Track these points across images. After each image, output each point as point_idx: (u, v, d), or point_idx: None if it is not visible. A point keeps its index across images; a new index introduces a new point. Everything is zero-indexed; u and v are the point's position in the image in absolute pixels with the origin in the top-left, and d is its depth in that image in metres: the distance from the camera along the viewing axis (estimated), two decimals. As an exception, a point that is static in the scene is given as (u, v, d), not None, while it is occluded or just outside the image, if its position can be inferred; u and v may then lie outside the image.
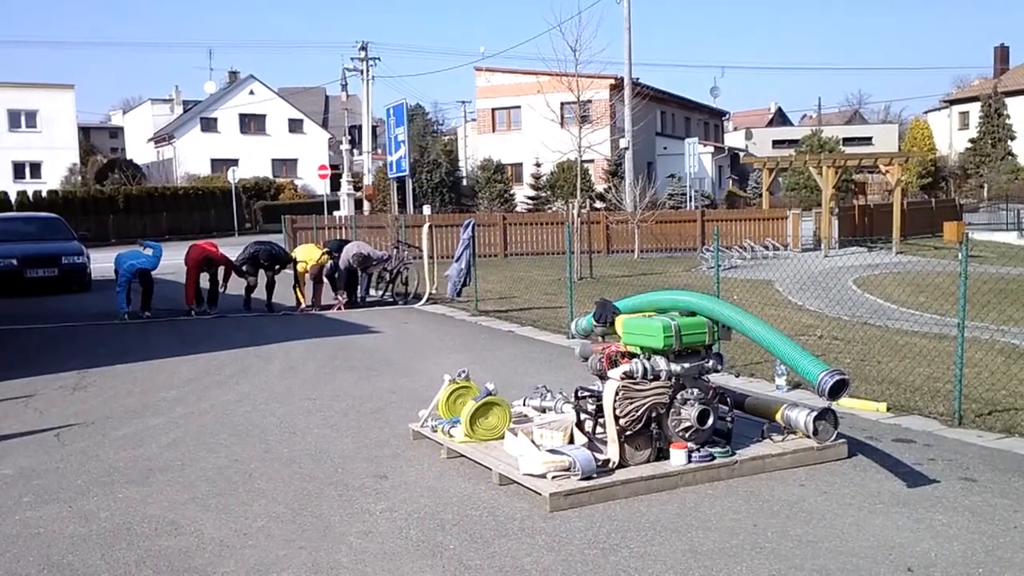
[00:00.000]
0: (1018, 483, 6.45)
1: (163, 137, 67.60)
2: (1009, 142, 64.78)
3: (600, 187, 42.35)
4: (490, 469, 6.73)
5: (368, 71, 43.17)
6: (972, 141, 66.66)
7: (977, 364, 9.81)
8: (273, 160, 66.74)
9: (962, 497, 6.17)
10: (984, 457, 7.10)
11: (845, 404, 8.70)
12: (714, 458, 6.68)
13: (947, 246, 29.53)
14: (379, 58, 45.74)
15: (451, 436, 7.39)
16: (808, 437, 7.03)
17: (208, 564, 5.30)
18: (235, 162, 59.91)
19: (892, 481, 6.54)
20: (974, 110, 69.88)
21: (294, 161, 67.63)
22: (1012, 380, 9.28)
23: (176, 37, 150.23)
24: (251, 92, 67.77)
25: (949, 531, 5.57)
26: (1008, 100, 66.39)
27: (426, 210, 32.69)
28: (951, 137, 74.25)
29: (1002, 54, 79.12)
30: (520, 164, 50.51)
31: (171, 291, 18.85)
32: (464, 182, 52.11)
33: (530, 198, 48.24)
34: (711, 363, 6.95)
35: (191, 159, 63.66)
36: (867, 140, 68.41)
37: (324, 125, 73.67)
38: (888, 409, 8.57)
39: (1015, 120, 65.80)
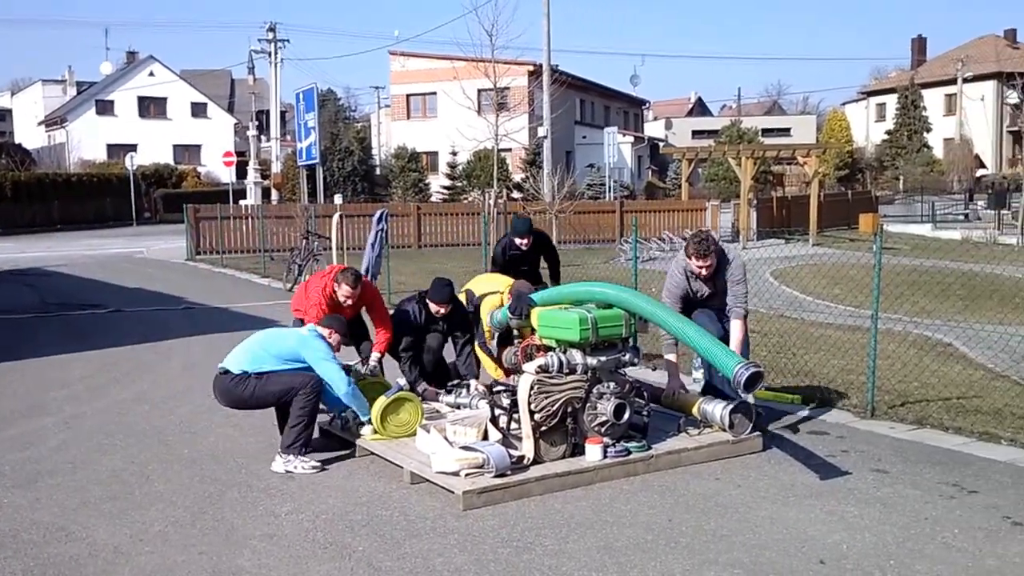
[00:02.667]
0: (928, 474, 6.48)
1: (55, 120, 65.00)
2: (925, 134, 66.41)
3: (518, 177, 42.23)
4: (401, 467, 6.54)
5: (276, 53, 42.32)
6: (889, 133, 68.20)
7: (890, 356, 9.90)
8: (175, 146, 64.30)
9: (874, 489, 6.18)
10: (896, 448, 7.14)
11: (761, 396, 8.70)
12: (630, 453, 6.59)
13: (863, 238, 30.00)
14: (288, 40, 44.83)
15: (361, 434, 7.19)
16: (724, 431, 6.97)
17: (101, 572, 5.05)
18: (133, 147, 57.32)
19: (805, 474, 6.52)
20: (891, 102, 71.44)
21: (197, 147, 65.38)
22: (924, 372, 9.38)
23: (69, 14, 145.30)
24: (151, 74, 65.22)
25: (861, 523, 5.58)
26: (924, 92, 68.04)
27: (337, 200, 32.17)
28: (868, 129, 75.87)
29: (919, 45, 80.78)
30: (436, 152, 50.14)
31: (64, 285, 18.37)
32: (378, 171, 51.50)
33: (446, 188, 47.90)
34: (628, 356, 6.85)
35: (86, 144, 60.76)
36: (786, 131, 69.39)
37: (230, 110, 71.55)
38: (803, 401, 8.59)
39: (931, 112, 67.51)
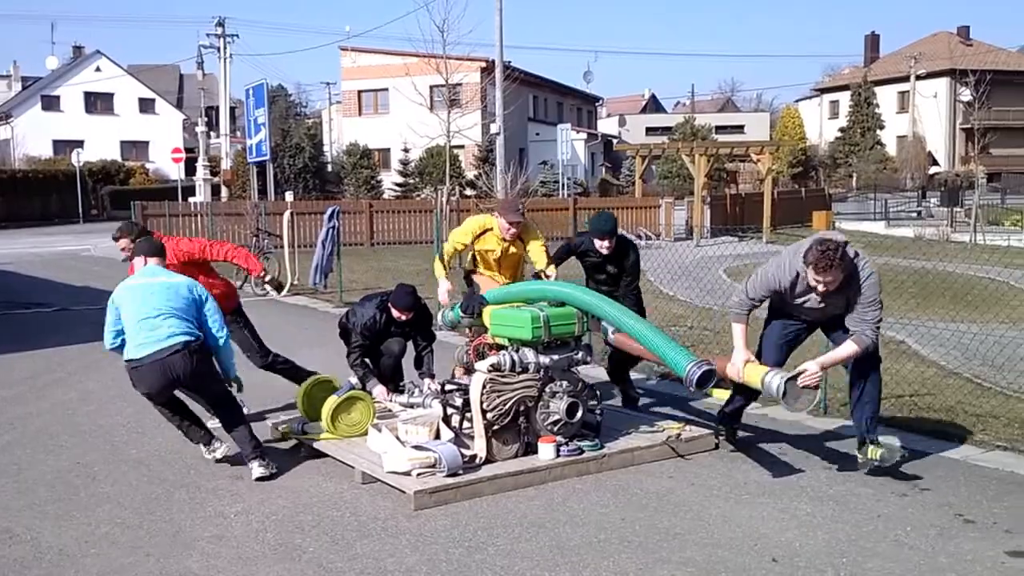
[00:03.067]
0: (881, 472, 6.48)
1: None
2: (878, 131, 66.85)
3: (471, 174, 42.17)
4: (353, 467, 6.49)
5: (225, 49, 41.83)
6: (842, 130, 68.61)
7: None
8: (122, 142, 62.86)
9: (826, 487, 6.21)
10: (848, 446, 7.12)
11: (718, 395, 8.67)
12: (583, 452, 6.58)
13: (816, 236, 30.22)
14: (237, 35, 44.39)
15: (306, 432, 7.12)
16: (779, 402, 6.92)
17: (46, 575, 4.96)
18: (80, 143, 55.48)
19: (758, 471, 6.55)
20: (844, 99, 71.80)
21: (146, 143, 64.04)
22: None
23: (14, 8, 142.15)
24: (98, 69, 63.75)
25: (813, 520, 5.59)
26: (878, 89, 68.52)
27: (288, 197, 31.90)
28: (821, 126, 76.49)
29: (873, 42, 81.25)
30: (388, 149, 49.91)
31: (9, 283, 18.06)
32: (329, 168, 51.21)
33: (398, 185, 47.72)
34: (580, 355, 6.84)
35: (31, 140, 59.12)
36: (739, 128, 69.61)
37: (178, 105, 70.26)
38: (756, 400, 8.56)
39: (884, 109, 67.98)
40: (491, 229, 8.02)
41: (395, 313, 7.74)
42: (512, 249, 8.08)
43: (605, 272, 8.10)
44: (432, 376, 7.82)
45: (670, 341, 6.39)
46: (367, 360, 7.81)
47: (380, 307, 7.77)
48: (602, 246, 7.85)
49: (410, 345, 8.00)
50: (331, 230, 16.36)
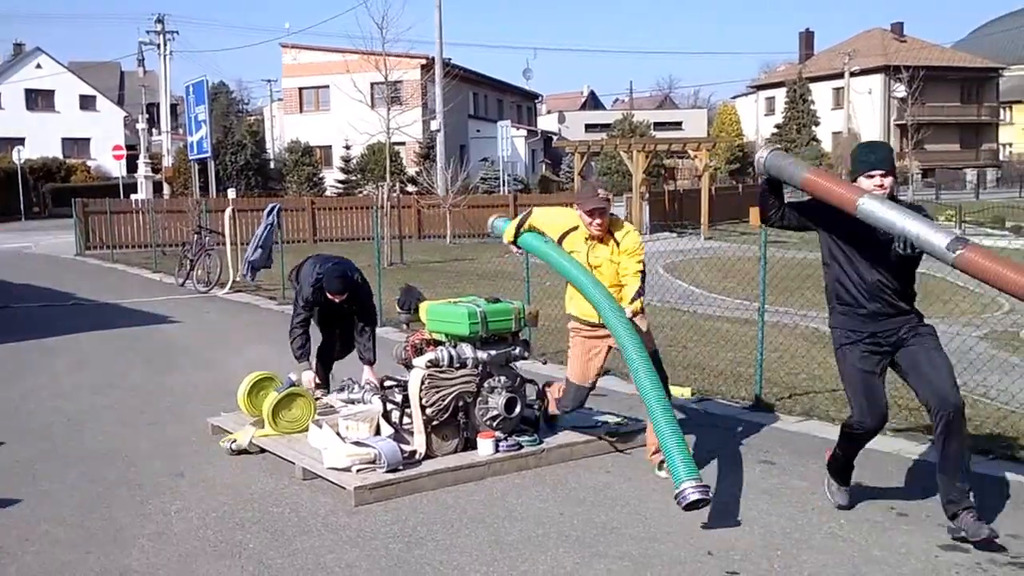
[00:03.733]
0: (815, 465, 6.52)
1: None
2: (814, 127, 67.38)
3: (412, 170, 42.10)
4: (293, 463, 6.51)
5: (165, 45, 41.40)
6: (778, 126, 69.08)
7: (779, 348, 10.13)
8: (64, 139, 62.09)
9: (761, 480, 6.30)
10: (783, 440, 7.27)
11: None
12: (522, 447, 6.64)
13: (753, 232, 30.63)
14: (177, 32, 43.98)
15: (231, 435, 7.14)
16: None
17: (-18, 575, 4.93)
18: (21, 141, 55.20)
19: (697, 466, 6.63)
20: (780, 95, 72.34)
21: (87, 141, 63.24)
22: (812, 363, 9.57)
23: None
24: (38, 66, 62.98)
25: (748, 514, 5.67)
26: (812, 85, 69.07)
27: (231, 194, 31.65)
28: (758, 122, 77.18)
29: (807, 39, 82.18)
30: (329, 146, 49.69)
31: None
32: (271, 165, 50.86)
33: (340, 182, 47.49)
34: (518, 350, 6.90)
35: (-29, 137, 58.59)
36: (677, 125, 70.12)
37: (119, 103, 69.46)
38: (693, 394, 8.72)
39: (820, 105, 68.54)
40: (577, 227, 6.58)
41: (329, 296, 7.79)
42: (604, 251, 6.49)
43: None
44: (371, 362, 7.91)
45: (681, 440, 5.66)
46: (307, 335, 7.92)
47: (315, 286, 7.81)
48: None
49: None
50: (269, 227, 16.32)
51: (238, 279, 17.68)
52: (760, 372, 8.42)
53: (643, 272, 6.41)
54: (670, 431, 5.61)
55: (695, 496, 5.28)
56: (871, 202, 4.93)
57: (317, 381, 7.95)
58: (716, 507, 5.71)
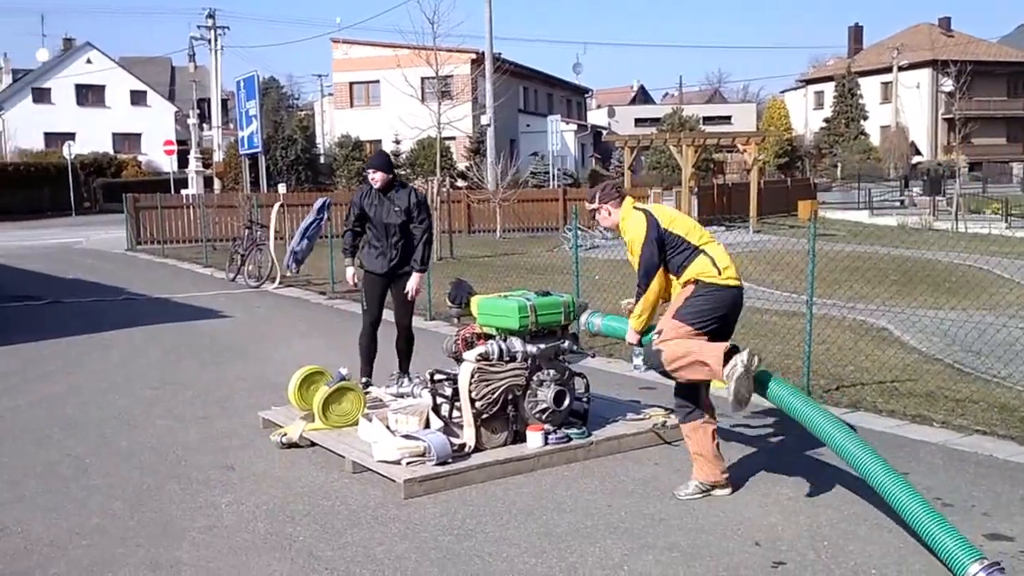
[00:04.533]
0: None
1: None
2: (862, 121, 67.41)
3: (462, 165, 42.16)
4: (343, 457, 6.53)
5: (216, 40, 41.81)
6: (827, 121, 69.13)
7: (827, 340, 10.04)
8: (114, 134, 62.54)
9: (808, 472, 6.24)
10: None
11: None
12: (570, 439, 6.63)
13: (801, 225, 30.35)
14: (228, 27, 44.30)
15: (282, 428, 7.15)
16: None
17: (36, 567, 4.97)
18: (72, 136, 55.83)
19: (743, 458, 6.60)
20: (829, 90, 72.48)
21: (137, 136, 63.71)
22: (859, 356, 9.54)
23: (3, 0, 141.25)
24: (88, 61, 63.36)
25: (796, 505, 5.65)
26: (861, 80, 69.12)
27: (281, 189, 31.85)
28: (807, 116, 76.86)
29: (856, 34, 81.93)
30: (379, 141, 49.77)
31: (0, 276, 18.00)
32: (321, 159, 51.10)
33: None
34: (567, 344, 6.88)
35: (22, 133, 58.88)
36: (726, 119, 69.97)
37: (170, 98, 69.96)
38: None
39: (868, 99, 68.55)
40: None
41: (370, 177, 8.13)
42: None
43: None
44: (421, 271, 8.24)
45: (943, 520, 4.78)
46: (354, 235, 8.43)
47: (365, 179, 8.22)
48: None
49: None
50: (317, 221, 16.41)
51: (286, 273, 17.80)
52: (808, 364, 8.37)
53: (642, 268, 5.83)
54: (924, 512, 4.77)
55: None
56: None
57: (355, 282, 8.52)
58: (764, 498, 5.72)
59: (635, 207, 6.03)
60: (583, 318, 6.93)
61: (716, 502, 5.72)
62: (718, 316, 5.69)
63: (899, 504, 4.84)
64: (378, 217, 8.16)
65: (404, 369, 8.34)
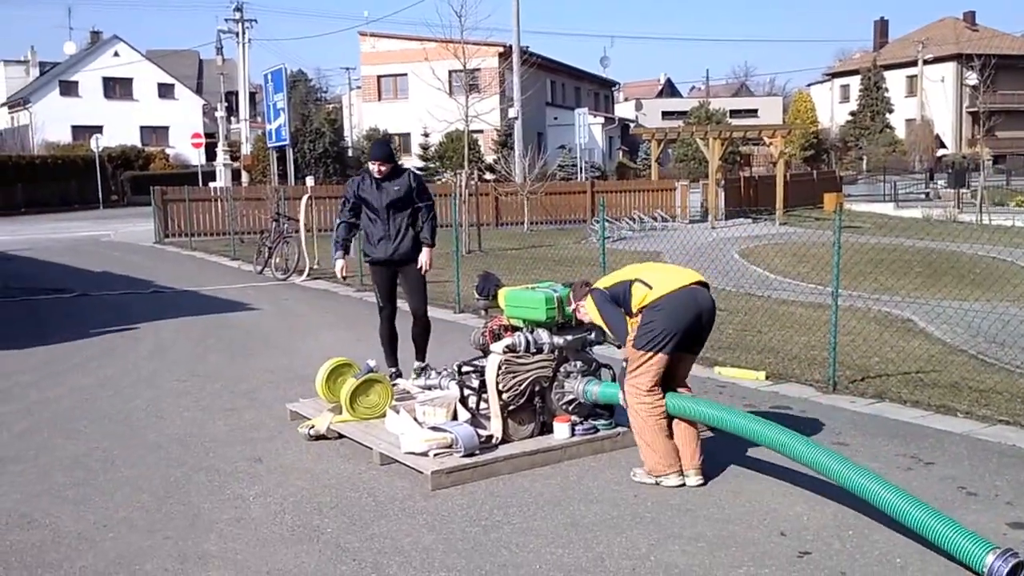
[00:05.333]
0: (887, 447, 6.60)
1: (18, 102, 63.12)
2: (887, 115, 67.45)
3: (490, 158, 42.12)
4: (371, 449, 6.53)
5: (244, 33, 41.85)
6: (852, 114, 69.09)
7: (852, 332, 10.01)
8: (142, 127, 62.88)
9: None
10: (855, 422, 7.25)
11: (726, 374, 8.82)
12: (598, 430, 6.63)
13: (827, 217, 30.14)
14: (256, 20, 44.44)
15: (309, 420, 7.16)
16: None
17: (64, 559, 4.99)
18: (99, 129, 55.94)
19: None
20: (855, 83, 72.43)
21: (165, 129, 64.03)
22: (884, 347, 9.51)
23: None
24: (116, 54, 63.68)
25: (820, 496, 5.62)
26: (887, 73, 69.15)
27: (309, 182, 31.95)
28: (832, 110, 76.70)
29: (882, 27, 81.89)
30: (408, 134, 49.91)
31: (29, 269, 18.12)
32: (350, 152, 51.19)
33: (419, 169, 47.59)
34: (594, 335, 6.86)
35: (50, 126, 59.23)
36: (753, 112, 69.61)
37: (198, 91, 70.08)
38: (767, 377, 8.72)
39: (893, 93, 68.57)
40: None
41: (375, 169, 8.09)
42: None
43: None
44: (430, 245, 8.30)
45: (946, 517, 4.71)
46: (348, 228, 8.41)
47: (360, 175, 8.27)
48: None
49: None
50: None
51: (315, 267, 17.84)
52: (833, 355, 8.34)
53: (611, 327, 6.03)
54: (931, 517, 4.65)
55: (1009, 564, 4.35)
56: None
57: (346, 274, 8.55)
58: (789, 489, 5.71)
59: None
60: (580, 387, 6.67)
61: (742, 493, 5.71)
62: (673, 333, 5.70)
63: (899, 513, 4.72)
64: (378, 201, 8.18)
65: (421, 358, 8.35)
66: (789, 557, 4.80)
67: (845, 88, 76.95)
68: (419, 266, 8.31)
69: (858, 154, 65.09)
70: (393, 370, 8.23)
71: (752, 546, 4.94)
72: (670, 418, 5.92)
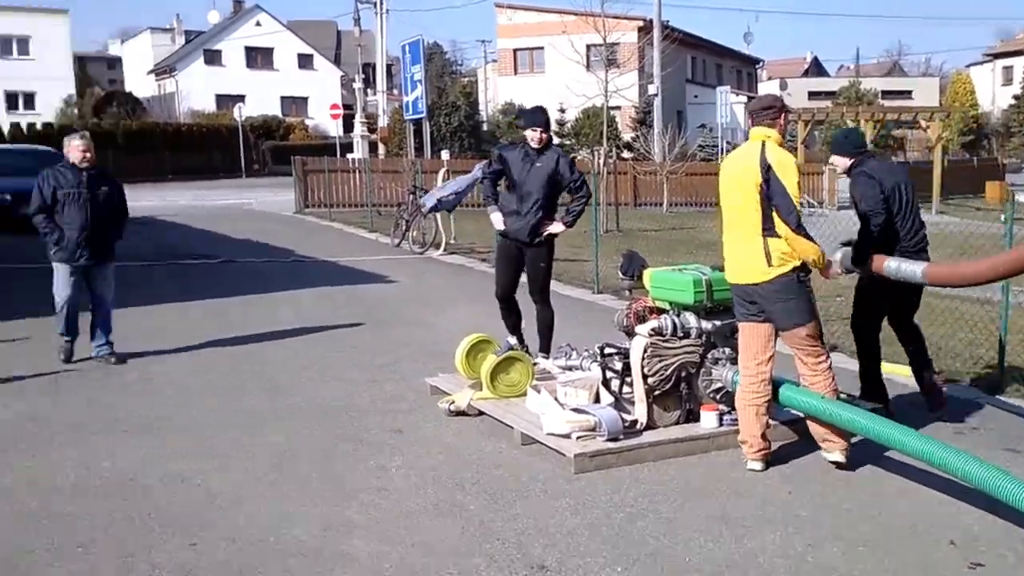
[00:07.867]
0: None
1: (164, 69, 64.82)
2: (1055, 99, 63.48)
3: (627, 136, 41.67)
4: (511, 428, 6.46)
5: (382, 4, 42.09)
6: (1016, 98, 64.90)
7: (1021, 331, 9.45)
8: (282, 98, 64.03)
9: (1007, 468, 5.84)
10: (1025, 427, 6.80)
11: (883, 369, 8.38)
12: (746, 421, 6.39)
13: (989, 207, 28.91)
14: (393, -10, 44.71)
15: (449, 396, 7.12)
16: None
17: (219, 519, 5.10)
18: (242, 98, 57.46)
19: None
20: (1019, 64, 68.29)
21: (304, 99, 65.22)
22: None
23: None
24: (258, 23, 65.02)
25: (992, 505, 5.23)
26: (1056, 54, 65.01)
27: (444, 155, 32.07)
28: (994, 93, 72.60)
29: (1050, 5, 77.34)
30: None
31: (174, 237, 18.58)
32: (484, 126, 51.32)
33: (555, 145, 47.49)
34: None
35: (195, 94, 60.77)
36: (907, 94, 67.22)
37: (336, 62, 71.10)
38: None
39: (1061, 76, 64.48)
40: None
41: (531, 136, 7.85)
42: None
43: None
44: (570, 225, 8.02)
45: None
46: (494, 185, 8.19)
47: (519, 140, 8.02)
48: None
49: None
50: (475, 180, 16.31)
51: (452, 241, 17.87)
52: (1002, 355, 7.88)
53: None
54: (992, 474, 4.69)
55: None
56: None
57: (503, 227, 7.96)
58: (960, 496, 5.37)
59: None
60: (728, 376, 6.37)
61: (905, 496, 5.43)
62: None
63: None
64: (520, 173, 7.87)
65: (545, 349, 8.05)
66: (959, 568, 4.55)
67: (1008, 70, 72.92)
68: (545, 234, 7.90)
69: (1022, 141, 62.02)
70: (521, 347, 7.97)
71: (919, 554, 4.70)
72: None
